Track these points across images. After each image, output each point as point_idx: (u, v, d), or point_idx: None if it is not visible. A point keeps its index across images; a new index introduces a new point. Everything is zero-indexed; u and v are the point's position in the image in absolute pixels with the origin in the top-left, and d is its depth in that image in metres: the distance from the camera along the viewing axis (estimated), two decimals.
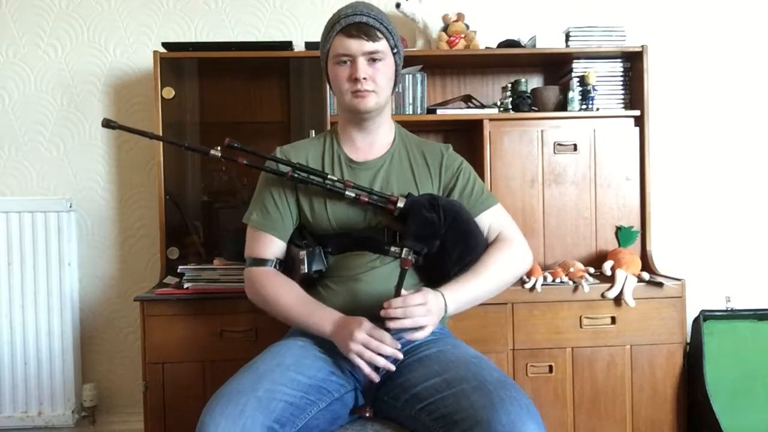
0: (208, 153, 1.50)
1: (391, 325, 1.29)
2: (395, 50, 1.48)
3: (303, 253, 1.46)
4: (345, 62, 1.44)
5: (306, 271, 1.45)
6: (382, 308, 1.30)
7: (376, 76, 1.44)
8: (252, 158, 1.52)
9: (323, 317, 1.39)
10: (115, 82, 2.47)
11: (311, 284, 1.51)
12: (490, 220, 1.54)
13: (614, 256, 2.17)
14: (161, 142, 2.19)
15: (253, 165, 1.51)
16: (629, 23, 2.44)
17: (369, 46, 1.42)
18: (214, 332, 1.93)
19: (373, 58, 1.43)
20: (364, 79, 1.42)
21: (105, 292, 2.47)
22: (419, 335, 1.31)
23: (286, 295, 1.45)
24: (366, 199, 1.45)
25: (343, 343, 1.32)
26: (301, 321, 1.42)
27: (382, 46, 1.44)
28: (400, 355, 1.32)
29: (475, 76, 2.50)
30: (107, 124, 1.50)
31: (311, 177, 1.47)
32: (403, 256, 1.37)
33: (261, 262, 1.50)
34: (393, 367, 1.32)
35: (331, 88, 1.54)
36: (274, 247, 1.51)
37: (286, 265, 1.52)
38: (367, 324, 1.31)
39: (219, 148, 1.50)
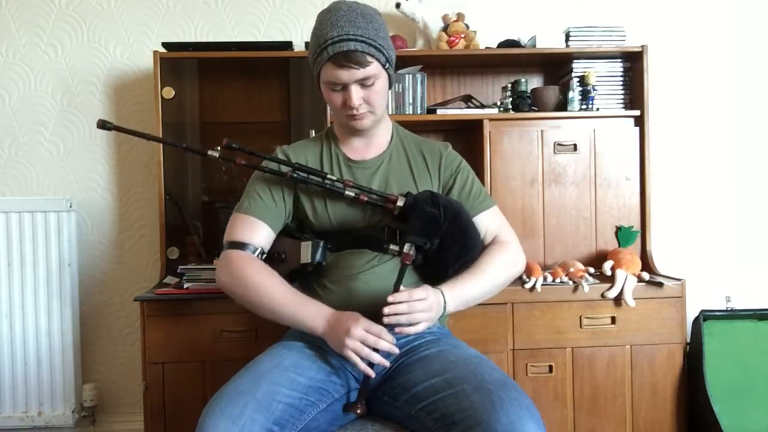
0: (205, 154, 1.49)
1: (387, 320, 1.28)
2: (387, 65, 1.44)
3: (308, 243, 1.45)
4: (337, 89, 1.42)
5: (309, 260, 1.44)
6: (379, 307, 1.29)
7: (371, 97, 1.43)
8: (250, 159, 1.51)
9: (315, 312, 1.35)
10: (115, 82, 2.47)
11: (303, 282, 1.50)
12: (487, 221, 1.54)
13: (614, 256, 2.17)
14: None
15: (251, 165, 1.50)
16: (629, 23, 2.44)
17: (360, 73, 1.39)
18: (214, 332, 1.93)
19: (364, 84, 1.41)
20: (360, 105, 1.42)
21: (105, 292, 2.47)
22: (413, 329, 1.31)
23: (271, 285, 1.38)
24: (365, 199, 1.45)
25: (338, 340, 1.30)
26: (286, 312, 1.36)
27: (373, 69, 1.40)
28: (396, 350, 1.31)
29: (475, 76, 2.50)
30: (102, 125, 1.49)
31: (311, 177, 1.47)
32: (405, 251, 1.37)
33: (243, 246, 1.42)
34: (388, 363, 1.31)
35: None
36: (261, 234, 1.45)
37: (272, 260, 1.47)
38: (363, 320, 1.30)
39: (218, 148, 1.49)
